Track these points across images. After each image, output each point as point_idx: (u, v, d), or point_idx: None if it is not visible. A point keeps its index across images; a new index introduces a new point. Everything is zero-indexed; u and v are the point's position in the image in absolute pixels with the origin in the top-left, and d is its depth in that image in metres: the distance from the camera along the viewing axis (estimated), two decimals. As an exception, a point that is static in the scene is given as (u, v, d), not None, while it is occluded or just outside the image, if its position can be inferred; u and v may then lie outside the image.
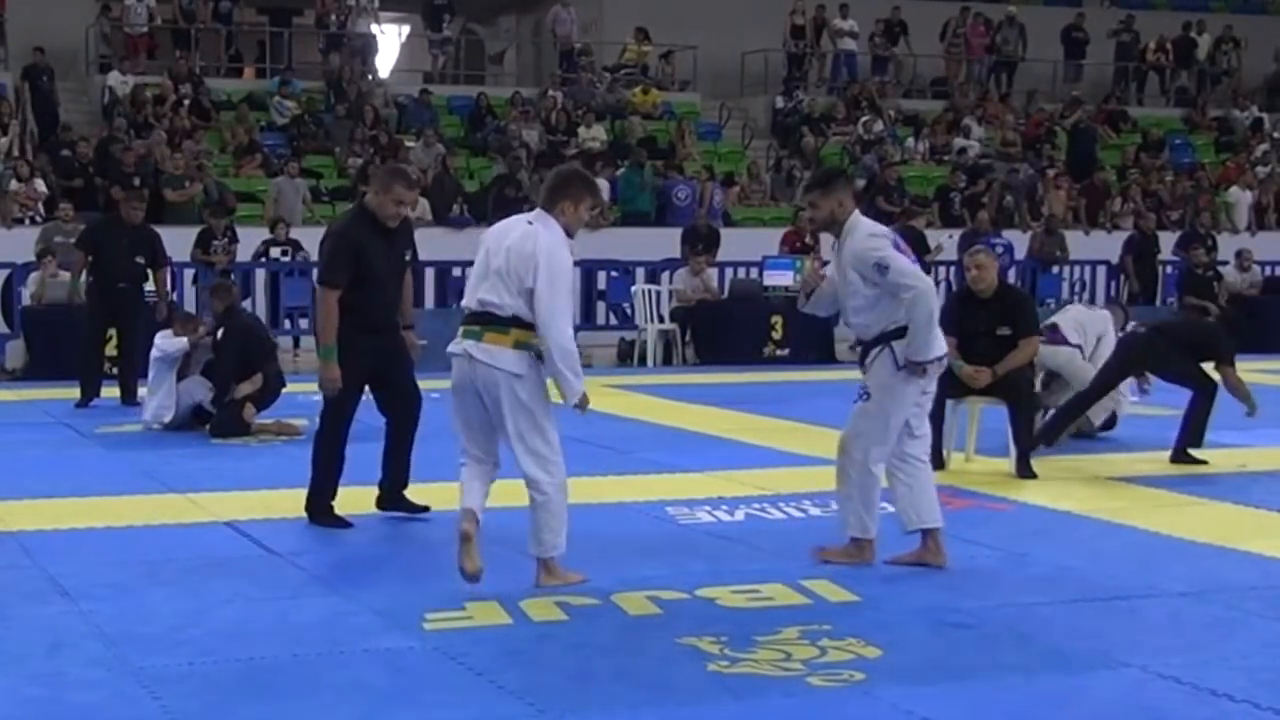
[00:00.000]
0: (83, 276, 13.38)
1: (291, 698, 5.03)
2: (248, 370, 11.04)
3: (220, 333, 11.16)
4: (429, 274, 18.20)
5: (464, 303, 6.61)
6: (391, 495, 8.19)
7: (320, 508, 7.90)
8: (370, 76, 24.18)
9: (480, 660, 5.42)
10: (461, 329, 6.50)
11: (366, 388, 8.11)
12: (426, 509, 8.01)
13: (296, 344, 18.21)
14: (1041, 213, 22.65)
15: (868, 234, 6.80)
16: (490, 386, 6.38)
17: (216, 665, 5.37)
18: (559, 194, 6.51)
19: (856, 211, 6.93)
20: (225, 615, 6.05)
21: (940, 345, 6.86)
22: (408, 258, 8.13)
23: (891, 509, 7.11)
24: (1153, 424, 11.39)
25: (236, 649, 5.56)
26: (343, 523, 7.83)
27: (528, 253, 6.33)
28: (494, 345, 6.35)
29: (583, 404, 6.47)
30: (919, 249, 18.11)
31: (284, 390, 11.50)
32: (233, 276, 16.94)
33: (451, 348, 6.51)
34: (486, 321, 6.39)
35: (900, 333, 6.73)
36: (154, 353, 11.39)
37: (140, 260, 12.97)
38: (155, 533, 7.67)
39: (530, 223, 6.51)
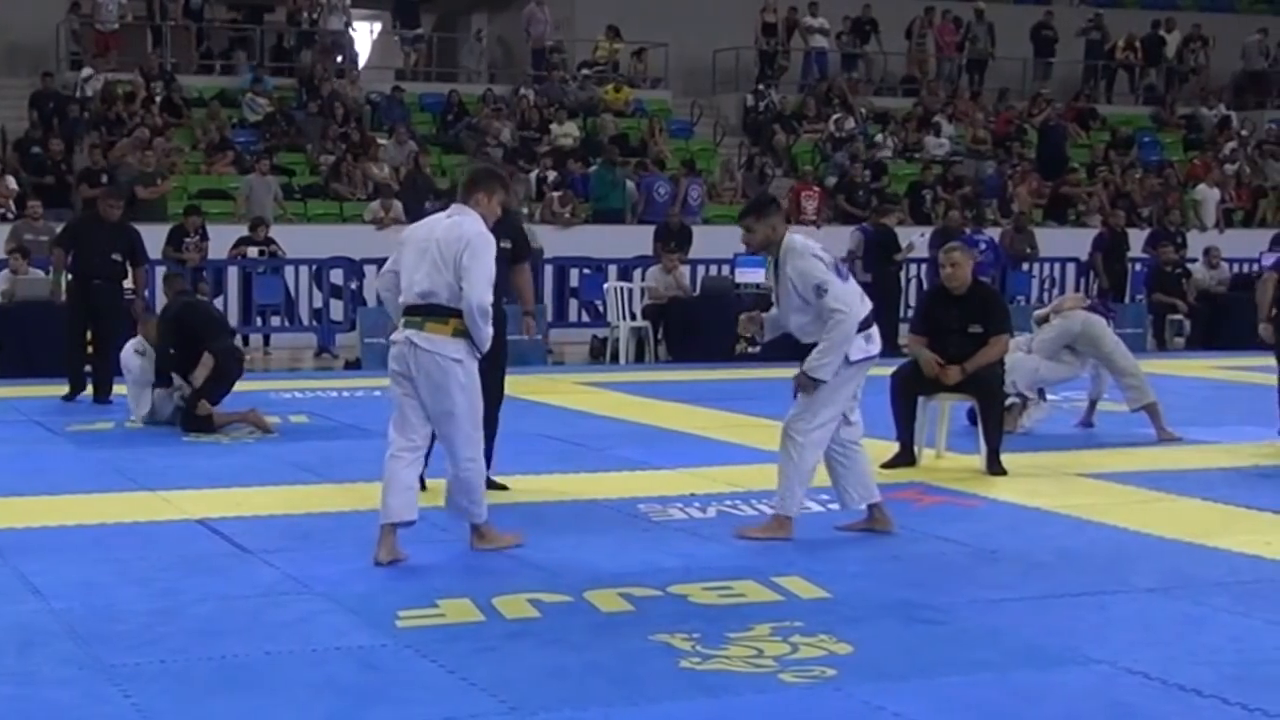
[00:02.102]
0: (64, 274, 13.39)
1: (264, 696, 5.02)
2: (194, 351, 10.99)
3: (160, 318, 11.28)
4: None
5: (402, 298, 7.03)
6: None
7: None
8: (345, 76, 24.09)
9: (453, 658, 5.43)
10: (403, 320, 6.97)
11: None
12: (505, 488, 8.43)
13: (267, 341, 18.20)
14: (1011, 210, 22.75)
15: (810, 255, 7.36)
16: (432, 372, 6.86)
17: (189, 663, 5.37)
18: (474, 188, 7.12)
19: (789, 232, 7.57)
20: (197, 613, 6.04)
21: (867, 348, 7.39)
22: (505, 246, 8.32)
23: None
24: (1121, 420, 11.46)
25: (209, 647, 5.55)
26: (423, 487, 7.89)
27: (455, 238, 6.90)
28: (435, 334, 6.85)
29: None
30: (890, 248, 18.22)
31: (244, 372, 11.60)
32: (205, 274, 16.96)
33: (393, 336, 7.01)
34: (428, 312, 6.89)
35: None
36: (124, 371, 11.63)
37: (117, 257, 12.95)
38: (127, 531, 7.65)
39: (449, 216, 7.08)
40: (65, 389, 12.85)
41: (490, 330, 6.91)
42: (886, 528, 7.61)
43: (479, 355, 6.97)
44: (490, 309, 6.89)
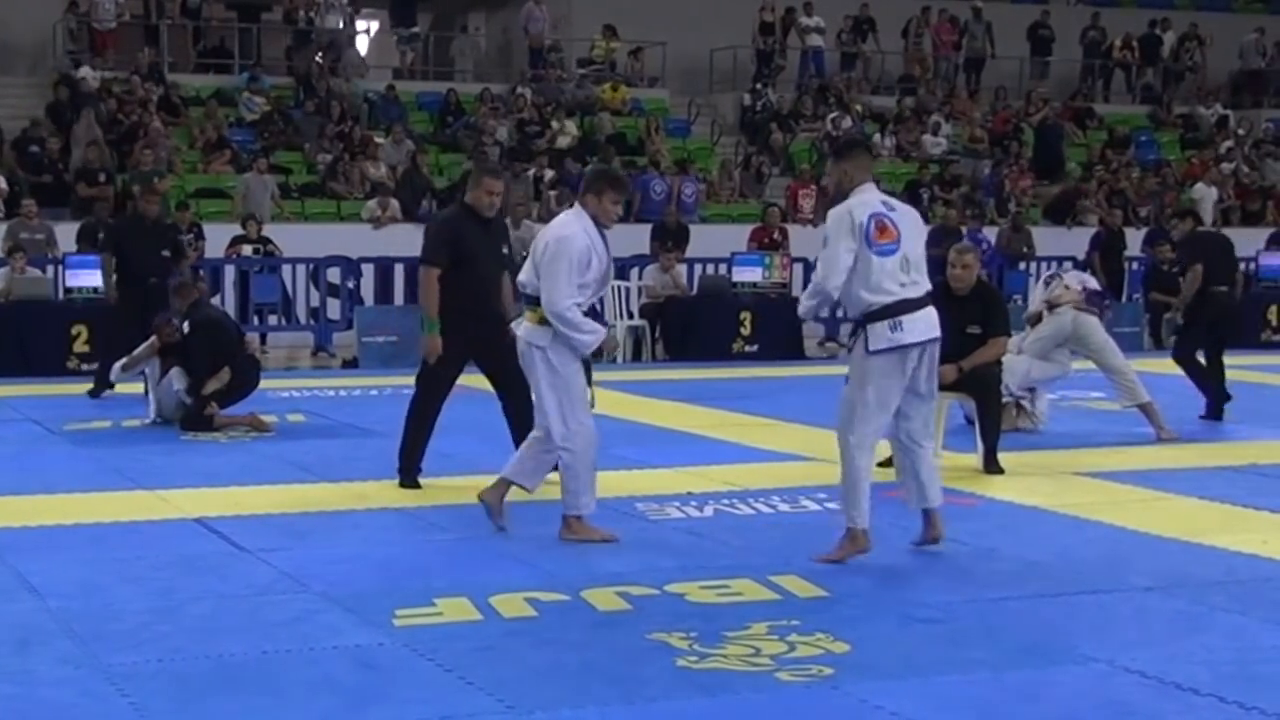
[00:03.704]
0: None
1: (261, 695, 5.03)
2: (216, 363, 11.04)
3: (187, 327, 11.19)
4: (399, 271, 18.20)
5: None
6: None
7: (405, 467, 8.74)
8: (346, 77, 24.08)
9: (450, 657, 5.43)
10: None
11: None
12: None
13: (264, 340, 18.19)
14: (1008, 209, 22.75)
15: (843, 207, 6.87)
16: (524, 356, 7.34)
17: (186, 662, 5.37)
18: (584, 189, 7.43)
19: (866, 185, 6.95)
20: (195, 612, 6.04)
21: (891, 336, 6.78)
22: (505, 250, 8.89)
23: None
24: (1120, 419, 11.46)
25: (206, 646, 5.55)
26: (417, 485, 8.72)
27: (543, 237, 7.35)
28: (528, 322, 7.31)
29: (606, 351, 7.32)
30: None
31: (258, 383, 11.57)
32: (200, 273, 16.95)
33: None
34: (527, 302, 7.34)
35: (873, 315, 6.79)
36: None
37: (166, 254, 13.12)
38: (124, 530, 7.66)
39: (563, 215, 7.51)
40: (61, 388, 12.86)
41: (583, 336, 7.16)
42: (935, 535, 7.19)
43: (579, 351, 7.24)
44: (567, 314, 7.09)
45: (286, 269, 17.86)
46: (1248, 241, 22.11)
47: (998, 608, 6.24)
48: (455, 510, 8.10)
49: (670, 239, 18.73)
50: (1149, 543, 7.54)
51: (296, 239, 18.44)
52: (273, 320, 18.14)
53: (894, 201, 7.11)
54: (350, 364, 16.25)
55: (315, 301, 17.96)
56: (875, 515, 7.71)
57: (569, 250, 7.13)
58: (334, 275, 17.99)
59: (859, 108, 26.07)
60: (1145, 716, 4.95)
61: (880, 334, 6.79)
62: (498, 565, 6.86)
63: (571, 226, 7.23)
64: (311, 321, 18.02)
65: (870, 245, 6.77)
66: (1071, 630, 5.90)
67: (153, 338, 11.53)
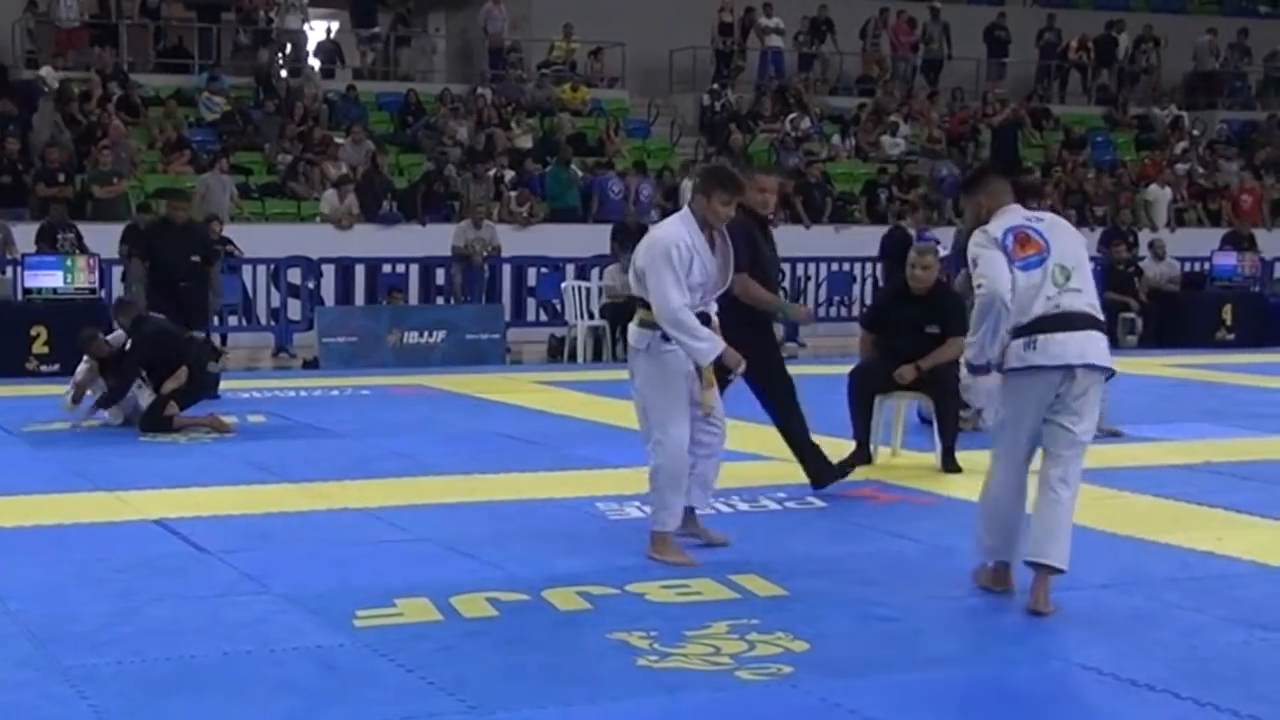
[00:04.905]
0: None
1: (222, 697, 5.02)
2: (170, 368, 11.00)
3: (129, 343, 11.18)
4: (359, 271, 18.18)
5: None
6: (821, 466, 8.68)
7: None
8: (303, 73, 24.03)
9: (411, 657, 5.44)
10: None
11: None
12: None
13: (224, 340, 18.13)
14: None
15: (980, 229, 6.32)
16: (630, 360, 7.11)
17: (146, 665, 5.36)
18: (696, 189, 7.08)
19: (1006, 208, 6.33)
20: (155, 614, 6.03)
21: (1025, 355, 6.13)
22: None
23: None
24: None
25: (166, 648, 5.54)
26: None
27: (644, 240, 7.05)
28: (632, 324, 7.07)
29: (728, 363, 6.89)
30: (905, 250, 18.14)
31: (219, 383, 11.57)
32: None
33: None
34: (639, 304, 7.05)
35: (1016, 333, 6.15)
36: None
37: (196, 259, 13.13)
38: (84, 531, 7.63)
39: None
40: (20, 389, 12.81)
41: (699, 344, 6.75)
42: (1034, 606, 6.12)
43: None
44: (680, 316, 6.72)
45: (247, 269, 17.81)
46: (1205, 241, 22.33)
47: (955, 606, 6.29)
48: (415, 511, 8.11)
49: (630, 239, 18.71)
50: (1103, 540, 7.58)
51: (256, 239, 18.39)
52: (233, 321, 18.09)
53: (1042, 214, 6.51)
54: (311, 364, 16.23)
55: (276, 302, 17.92)
56: (838, 514, 7.76)
57: (668, 250, 6.79)
58: (294, 276, 17.96)
59: (818, 109, 26.17)
60: (1101, 713, 5.00)
61: (1014, 352, 6.15)
62: (458, 565, 6.87)
63: (672, 226, 6.96)
64: (272, 322, 17.99)
65: (1012, 261, 6.13)
66: (1028, 628, 5.95)
67: (85, 359, 11.45)
